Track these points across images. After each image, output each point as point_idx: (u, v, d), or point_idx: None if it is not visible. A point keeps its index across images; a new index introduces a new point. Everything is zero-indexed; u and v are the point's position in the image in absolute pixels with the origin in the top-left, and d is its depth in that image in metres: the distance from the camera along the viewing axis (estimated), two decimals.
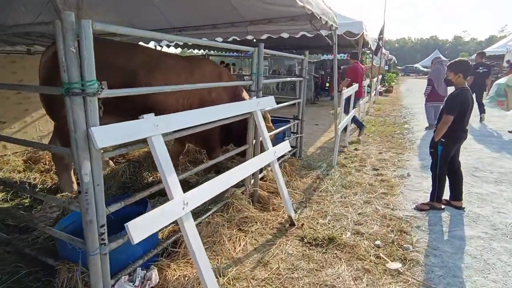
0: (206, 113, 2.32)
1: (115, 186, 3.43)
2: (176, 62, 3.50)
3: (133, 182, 3.55)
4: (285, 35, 5.83)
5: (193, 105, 3.52)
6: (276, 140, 4.46)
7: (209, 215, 2.74)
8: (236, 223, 2.84)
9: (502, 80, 6.97)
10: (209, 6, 5.20)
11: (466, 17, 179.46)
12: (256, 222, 2.96)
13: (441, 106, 7.93)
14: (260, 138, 3.32)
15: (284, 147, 3.17)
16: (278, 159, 4.33)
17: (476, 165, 4.75)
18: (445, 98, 3.23)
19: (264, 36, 5.93)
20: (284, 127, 4.34)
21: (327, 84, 17.16)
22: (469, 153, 5.38)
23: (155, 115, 2.05)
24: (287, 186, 3.81)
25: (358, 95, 6.79)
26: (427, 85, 7.84)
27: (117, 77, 3.16)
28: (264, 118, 3.97)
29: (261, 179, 3.74)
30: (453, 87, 3.17)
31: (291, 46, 14.88)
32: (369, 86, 11.60)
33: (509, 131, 7.06)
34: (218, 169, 3.96)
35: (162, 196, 3.27)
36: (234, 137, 4.03)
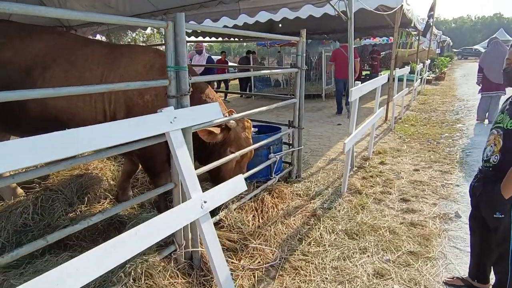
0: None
1: (9, 230, 2.44)
2: (91, 52, 2.39)
3: (36, 223, 2.53)
4: (286, 12, 4.43)
5: (119, 112, 2.42)
6: (257, 158, 3.20)
7: None
8: None
9: None
10: None
11: None
12: None
13: (498, 96, 6.02)
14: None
15: (228, 190, 1.90)
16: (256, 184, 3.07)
17: None
18: None
19: (260, 14, 4.58)
20: (264, 142, 3.02)
21: (364, 73, 15.10)
22: None
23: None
24: (257, 234, 2.53)
25: (340, 75, 7.36)
26: (477, 72, 6.17)
27: None
28: (243, 126, 2.74)
29: (216, 225, 2.51)
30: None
31: (324, 30, 13.13)
32: (412, 72, 9.60)
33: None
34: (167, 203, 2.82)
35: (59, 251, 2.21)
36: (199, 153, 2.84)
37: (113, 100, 2.38)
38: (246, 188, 2.03)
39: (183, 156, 1.71)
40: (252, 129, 3.05)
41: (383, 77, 4.21)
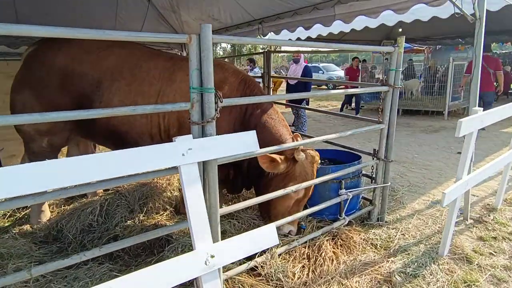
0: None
1: (78, 227, 2.67)
2: (154, 65, 2.40)
3: (99, 226, 2.70)
4: (388, 16, 3.62)
5: (172, 127, 2.38)
6: (324, 192, 2.68)
7: None
8: None
9: None
10: None
11: None
12: None
13: None
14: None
15: (250, 243, 1.50)
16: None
17: None
18: None
19: (356, 20, 3.94)
20: (331, 175, 2.45)
21: None
22: None
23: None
24: None
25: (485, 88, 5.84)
26: None
27: (75, 90, 2.39)
28: (312, 160, 2.34)
29: (252, 271, 2.13)
30: None
31: (457, 33, 10.87)
32: None
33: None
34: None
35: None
36: (248, 178, 2.60)
37: (167, 115, 2.32)
38: (277, 243, 1.59)
39: (194, 195, 1.42)
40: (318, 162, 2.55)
41: None
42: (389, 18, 6.67)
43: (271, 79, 7.09)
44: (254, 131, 1.63)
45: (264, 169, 2.16)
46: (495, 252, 2.54)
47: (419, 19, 6.17)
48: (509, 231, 2.84)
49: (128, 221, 2.80)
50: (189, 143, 1.44)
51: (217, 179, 1.63)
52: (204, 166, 1.61)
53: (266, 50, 4.09)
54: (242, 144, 1.60)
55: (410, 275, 2.26)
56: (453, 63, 8.47)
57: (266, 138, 2.31)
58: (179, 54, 7.91)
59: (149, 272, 1.30)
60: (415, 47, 16.29)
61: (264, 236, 1.57)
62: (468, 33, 10.68)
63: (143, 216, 2.87)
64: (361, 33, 7.47)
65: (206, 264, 1.38)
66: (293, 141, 2.42)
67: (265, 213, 2.51)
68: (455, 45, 14.04)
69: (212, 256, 1.40)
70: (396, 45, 2.53)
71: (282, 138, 2.39)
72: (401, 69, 2.56)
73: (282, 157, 2.24)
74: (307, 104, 6.49)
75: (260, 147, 2.01)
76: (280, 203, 2.32)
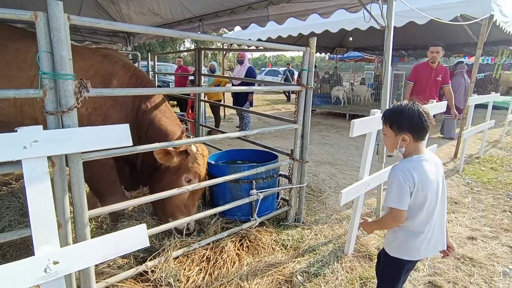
0: None
1: None
2: (25, 49, 2.09)
3: None
4: (316, 18, 3.69)
5: None
6: (236, 192, 2.61)
7: None
8: None
9: None
10: None
11: None
12: None
13: None
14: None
15: (108, 246, 1.36)
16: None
17: None
18: None
19: (287, 21, 3.97)
20: (233, 176, 2.37)
21: None
22: None
23: None
24: None
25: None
26: None
27: None
28: (202, 153, 2.30)
29: (140, 277, 1.98)
30: None
31: (407, 45, 11.61)
32: None
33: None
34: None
35: None
36: (142, 174, 2.52)
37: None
38: (148, 245, 1.47)
39: (36, 194, 1.25)
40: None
41: (440, 104, 3.14)
42: (333, 25, 6.92)
43: (215, 79, 6.98)
44: (127, 124, 1.49)
45: (158, 160, 2.16)
46: None
47: (358, 28, 6.44)
48: None
49: (19, 225, 2.50)
50: (35, 134, 1.27)
51: (82, 176, 1.47)
52: (67, 161, 1.44)
53: (197, 47, 3.97)
54: (112, 138, 1.46)
55: (312, 274, 2.26)
56: (392, 72, 9.01)
57: (160, 136, 2.32)
58: (122, 49, 7.50)
59: None
60: (366, 56, 17.20)
61: (132, 237, 1.44)
62: (407, 46, 11.53)
63: None
64: (307, 37, 7.63)
65: (46, 271, 1.22)
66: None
67: (160, 210, 2.40)
68: (400, 57, 14.97)
69: (56, 263, 1.24)
70: (308, 46, 2.55)
71: (174, 137, 2.43)
72: (313, 69, 2.58)
73: (177, 149, 2.28)
74: (251, 105, 6.46)
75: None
76: (175, 197, 2.23)
